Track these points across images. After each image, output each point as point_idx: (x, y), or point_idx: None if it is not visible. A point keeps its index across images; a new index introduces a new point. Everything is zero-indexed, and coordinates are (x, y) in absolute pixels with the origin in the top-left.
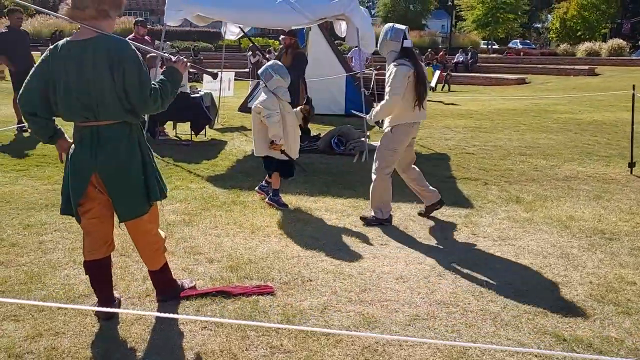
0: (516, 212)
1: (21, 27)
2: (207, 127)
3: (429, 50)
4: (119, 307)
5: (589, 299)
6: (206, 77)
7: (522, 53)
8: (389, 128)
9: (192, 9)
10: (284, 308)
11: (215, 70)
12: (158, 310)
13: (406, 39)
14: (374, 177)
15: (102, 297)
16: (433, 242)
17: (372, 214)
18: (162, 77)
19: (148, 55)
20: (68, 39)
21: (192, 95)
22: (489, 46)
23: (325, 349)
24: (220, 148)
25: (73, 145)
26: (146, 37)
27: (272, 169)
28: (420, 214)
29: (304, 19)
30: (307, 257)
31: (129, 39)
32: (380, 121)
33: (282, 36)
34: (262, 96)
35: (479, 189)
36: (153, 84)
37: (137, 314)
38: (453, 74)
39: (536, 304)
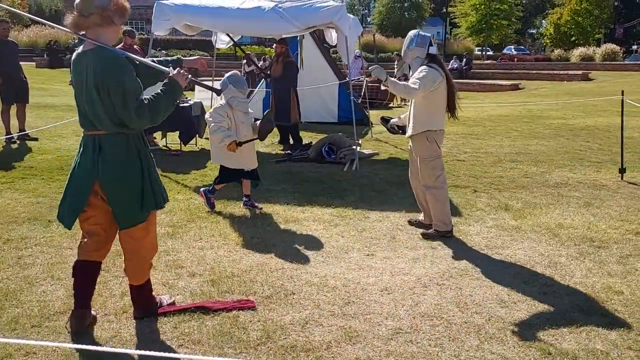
0: (505, 220)
1: (9, 38)
2: (197, 136)
3: None
4: (93, 323)
5: (575, 310)
6: (197, 87)
7: (515, 59)
8: (423, 135)
9: (179, 18)
10: (265, 323)
11: (218, 90)
12: (136, 328)
13: (432, 45)
14: (427, 189)
15: (79, 304)
16: (420, 252)
17: (433, 228)
18: (159, 90)
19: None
20: (79, 50)
21: (181, 105)
22: (483, 52)
23: None
24: (209, 157)
25: (77, 155)
26: (135, 47)
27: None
28: (410, 222)
29: (292, 27)
30: (291, 269)
31: (117, 48)
32: (403, 124)
33: (274, 44)
34: (215, 105)
35: (468, 197)
36: (144, 98)
37: (112, 352)
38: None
39: (522, 316)
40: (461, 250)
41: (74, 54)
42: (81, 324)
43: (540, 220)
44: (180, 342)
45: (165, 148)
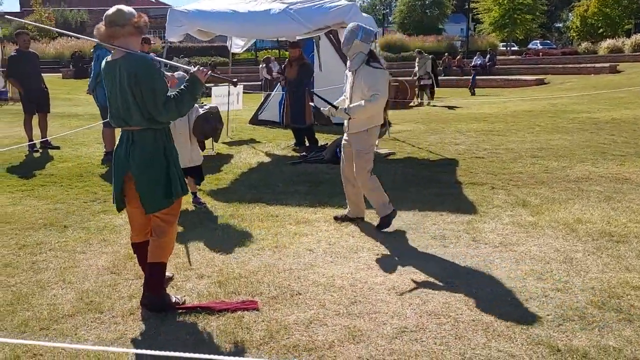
0: (521, 217)
1: (29, 49)
2: (213, 141)
3: (445, 54)
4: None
5: (589, 306)
6: (214, 92)
7: (541, 54)
8: (364, 130)
9: (193, 24)
10: (269, 323)
11: (234, 80)
12: (141, 329)
13: (374, 41)
14: (361, 182)
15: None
16: (431, 250)
17: (380, 217)
18: (182, 86)
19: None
20: (108, 58)
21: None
22: (508, 48)
23: None
24: (225, 162)
25: (116, 147)
26: (151, 54)
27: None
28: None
29: (303, 28)
30: (299, 270)
31: None
32: (347, 122)
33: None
34: None
35: (485, 194)
36: (169, 95)
37: (117, 352)
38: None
39: (532, 312)
40: (474, 248)
41: (104, 63)
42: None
43: (558, 215)
44: (183, 342)
45: None
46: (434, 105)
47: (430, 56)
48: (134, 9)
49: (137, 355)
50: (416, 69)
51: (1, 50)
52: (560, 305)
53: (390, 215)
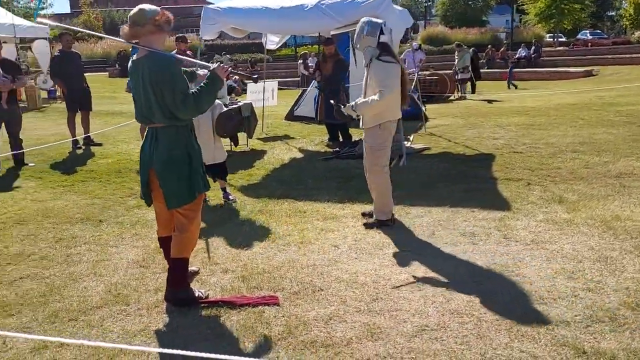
0: (556, 214)
1: (72, 49)
2: (247, 137)
3: (488, 47)
4: (195, 276)
5: (622, 307)
6: (249, 88)
7: (590, 44)
8: (376, 125)
9: (226, 22)
10: (288, 319)
11: (255, 77)
12: (164, 322)
13: (383, 33)
14: (372, 178)
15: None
16: (459, 248)
17: (375, 217)
18: (202, 83)
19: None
20: (134, 57)
21: (229, 106)
22: (555, 39)
23: None
24: (258, 157)
25: (142, 144)
26: (188, 52)
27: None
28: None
29: (335, 23)
30: (322, 266)
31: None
32: (360, 118)
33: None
34: None
35: (520, 190)
36: (191, 91)
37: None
38: (515, 70)
39: (560, 313)
40: (504, 246)
41: (130, 62)
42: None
43: (595, 212)
44: (204, 336)
45: None
46: (475, 99)
47: (470, 49)
48: (179, 7)
49: (154, 353)
50: (456, 61)
51: (50, 50)
52: (590, 306)
53: (384, 222)
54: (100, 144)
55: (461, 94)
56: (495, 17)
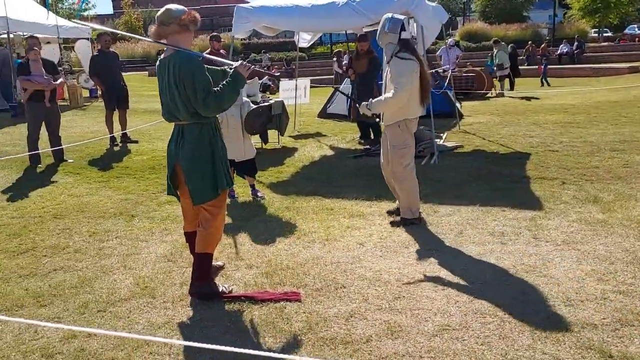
0: (590, 214)
1: (110, 49)
2: (279, 134)
3: (529, 42)
4: (220, 270)
5: None
6: (282, 86)
7: (637, 39)
8: (396, 124)
9: (258, 20)
10: (309, 315)
11: (277, 74)
12: (189, 315)
13: (404, 30)
14: (395, 178)
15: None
16: (487, 247)
17: (401, 216)
18: (225, 81)
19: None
20: (161, 57)
21: (260, 104)
22: (600, 34)
23: (340, 357)
24: (289, 155)
25: (169, 139)
26: (221, 51)
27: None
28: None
29: (366, 20)
30: (346, 264)
31: (206, 53)
32: (381, 116)
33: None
34: None
35: (554, 189)
36: (214, 89)
37: (157, 340)
38: (557, 66)
39: (587, 315)
40: (534, 246)
41: (158, 61)
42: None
43: (631, 213)
44: (225, 330)
45: None
46: (513, 97)
47: (509, 45)
48: (218, 7)
49: (177, 345)
50: (495, 60)
51: (92, 50)
52: (619, 309)
53: (411, 221)
54: (136, 141)
55: (499, 91)
56: (537, 12)
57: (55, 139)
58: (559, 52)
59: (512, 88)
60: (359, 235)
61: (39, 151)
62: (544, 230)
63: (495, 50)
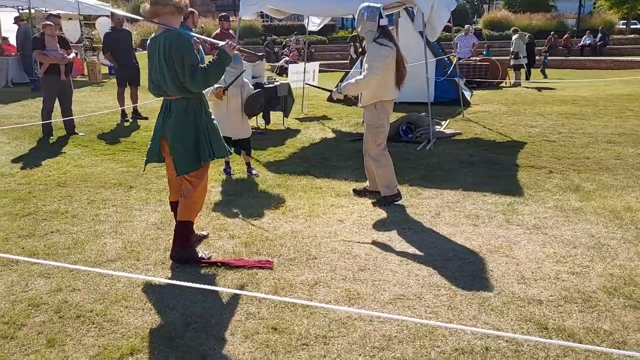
0: (568, 202)
1: (123, 27)
2: (284, 116)
3: (551, 33)
4: (202, 240)
5: (599, 291)
6: (291, 69)
7: None
8: (372, 105)
9: (265, 2)
10: (278, 281)
11: (260, 54)
12: (167, 276)
13: (382, 17)
14: (370, 157)
15: None
16: (460, 228)
17: (381, 195)
18: (211, 59)
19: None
20: (152, 35)
21: (266, 86)
22: (628, 26)
23: (296, 319)
24: (291, 136)
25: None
26: (230, 31)
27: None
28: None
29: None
30: (322, 237)
31: (215, 33)
32: (358, 98)
33: None
34: None
35: (539, 177)
36: (201, 66)
37: (142, 278)
38: (579, 57)
39: (536, 292)
40: (504, 229)
41: (149, 39)
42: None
43: (608, 202)
44: (197, 290)
45: (254, 128)
46: (529, 87)
47: (526, 35)
48: None
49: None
50: (512, 47)
51: None
52: (568, 288)
53: (391, 197)
54: (146, 118)
55: (515, 80)
56: (565, 2)
57: (67, 113)
58: (581, 43)
59: (527, 78)
60: (341, 213)
61: (49, 121)
62: (518, 215)
63: (513, 39)
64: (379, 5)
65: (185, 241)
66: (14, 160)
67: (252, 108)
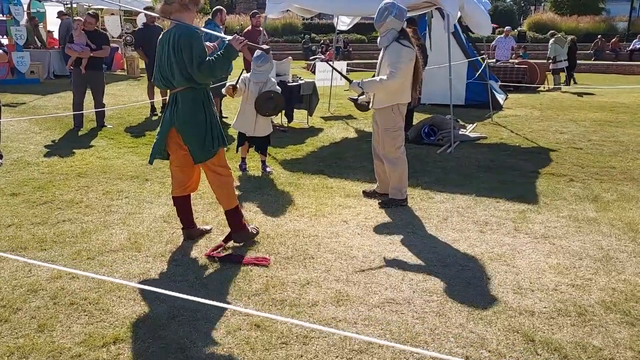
0: (584, 212)
1: (154, 23)
2: (308, 114)
3: (598, 36)
4: (203, 234)
5: (597, 305)
6: (318, 67)
7: None
8: (389, 107)
9: (291, 1)
10: (270, 279)
11: (265, 47)
12: (163, 268)
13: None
14: (387, 160)
15: (184, 225)
16: (465, 234)
17: (389, 197)
18: (219, 52)
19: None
20: (164, 31)
21: (289, 84)
22: None
23: (283, 317)
24: (313, 135)
25: (165, 108)
26: (259, 28)
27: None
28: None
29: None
30: (323, 237)
31: (246, 29)
32: (371, 100)
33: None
34: None
35: (558, 186)
36: (208, 59)
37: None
38: (627, 62)
39: (530, 304)
40: (511, 237)
41: (161, 34)
42: (188, 236)
43: (625, 214)
44: (190, 284)
45: (277, 126)
46: (569, 91)
47: (569, 38)
48: None
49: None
50: (549, 51)
51: None
52: (564, 301)
53: (398, 201)
54: None
55: (554, 84)
56: (616, 4)
57: (98, 106)
58: (630, 47)
59: (568, 82)
60: (347, 214)
61: (78, 112)
62: (528, 223)
63: (551, 43)
64: (405, 7)
65: (239, 226)
66: (41, 150)
67: (260, 108)
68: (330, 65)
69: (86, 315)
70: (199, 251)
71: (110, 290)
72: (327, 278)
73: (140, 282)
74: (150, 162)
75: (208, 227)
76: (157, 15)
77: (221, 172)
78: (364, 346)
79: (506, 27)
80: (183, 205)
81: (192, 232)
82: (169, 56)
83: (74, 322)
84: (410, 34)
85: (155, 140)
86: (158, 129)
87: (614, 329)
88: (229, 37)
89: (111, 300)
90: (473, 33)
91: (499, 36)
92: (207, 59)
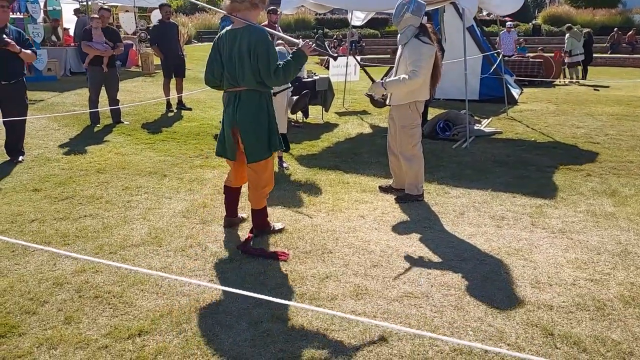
0: (602, 206)
1: (170, 20)
2: (324, 110)
3: (614, 29)
4: (239, 222)
5: (616, 300)
6: (332, 63)
7: None
8: (407, 104)
9: None
10: (290, 273)
11: (336, 55)
12: (191, 262)
13: (424, 15)
14: (404, 157)
15: (226, 213)
16: (482, 229)
17: (406, 192)
18: (289, 57)
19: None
20: (228, 28)
21: (304, 80)
22: None
23: (301, 310)
24: (328, 130)
25: (224, 108)
26: (276, 25)
27: None
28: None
29: None
30: (341, 232)
31: (262, 24)
32: (387, 96)
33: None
34: None
35: (576, 180)
36: (279, 63)
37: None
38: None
39: (548, 298)
40: (528, 232)
41: (224, 31)
42: (228, 224)
43: None
44: (209, 278)
45: (292, 122)
46: (586, 85)
47: (584, 31)
48: None
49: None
50: (565, 45)
51: None
52: (583, 295)
53: (414, 197)
54: (190, 109)
55: (570, 78)
56: None
57: (113, 102)
58: None
59: (584, 76)
60: (363, 209)
61: (95, 110)
62: (545, 217)
63: (567, 37)
64: (424, 2)
65: (262, 224)
66: (61, 146)
67: (296, 106)
68: (357, 61)
69: (111, 308)
70: (219, 246)
71: (133, 283)
72: (345, 272)
73: (162, 276)
74: (232, 158)
75: (245, 215)
76: (224, 12)
77: (260, 172)
78: (384, 338)
79: (507, 24)
80: (232, 195)
81: (232, 220)
82: (242, 59)
83: (99, 314)
84: (430, 29)
85: (218, 138)
86: (222, 125)
87: (633, 323)
88: (300, 42)
89: (134, 294)
90: (488, 26)
91: (502, 31)
92: (279, 64)
